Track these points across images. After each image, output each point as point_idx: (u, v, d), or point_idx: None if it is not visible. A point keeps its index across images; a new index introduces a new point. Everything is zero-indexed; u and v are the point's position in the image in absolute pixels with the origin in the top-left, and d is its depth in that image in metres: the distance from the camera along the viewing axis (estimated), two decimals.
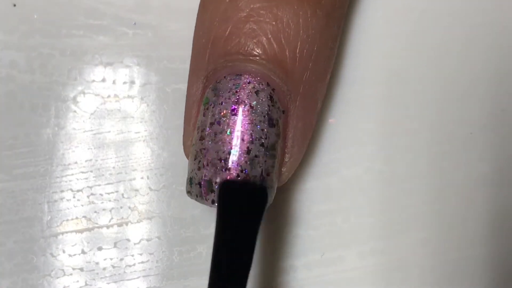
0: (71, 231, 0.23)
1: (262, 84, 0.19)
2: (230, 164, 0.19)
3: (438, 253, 0.23)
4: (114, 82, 0.23)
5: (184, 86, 0.22)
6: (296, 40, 0.20)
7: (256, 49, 0.19)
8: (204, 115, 0.20)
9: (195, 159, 0.20)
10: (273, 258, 0.23)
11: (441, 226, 0.23)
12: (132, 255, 0.23)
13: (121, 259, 0.23)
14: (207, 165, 0.19)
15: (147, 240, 0.23)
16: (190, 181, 0.20)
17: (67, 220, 0.23)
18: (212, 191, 0.19)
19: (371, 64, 0.24)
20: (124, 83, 0.23)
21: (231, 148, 0.19)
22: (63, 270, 0.23)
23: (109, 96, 0.23)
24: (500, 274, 0.24)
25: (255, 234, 0.18)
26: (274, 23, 0.19)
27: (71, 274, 0.23)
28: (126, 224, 0.23)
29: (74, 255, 0.23)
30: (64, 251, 0.23)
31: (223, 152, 0.19)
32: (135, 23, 0.23)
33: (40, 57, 0.23)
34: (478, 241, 0.24)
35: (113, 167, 0.23)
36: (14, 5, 0.23)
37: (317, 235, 0.23)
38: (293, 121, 0.20)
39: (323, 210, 0.23)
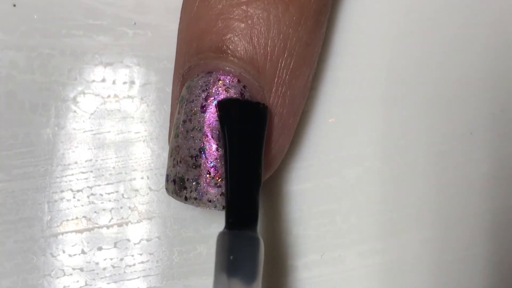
0: (71, 231, 0.23)
1: (232, 81, 0.20)
2: (200, 161, 0.19)
3: (438, 253, 0.23)
4: (114, 82, 0.23)
5: None
6: (266, 37, 0.20)
7: (227, 46, 0.19)
8: (178, 113, 0.20)
9: (170, 156, 0.20)
10: (273, 258, 0.23)
11: (441, 226, 0.23)
12: (132, 255, 0.23)
13: (121, 259, 0.23)
14: (180, 162, 0.19)
15: (147, 240, 0.23)
16: (166, 178, 0.20)
17: (67, 220, 0.23)
18: (185, 188, 0.19)
19: (371, 64, 0.24)
20: (124, 83, 0.23)
21: (201, 145, 0.19)
22: (63, 270, 0.23)
23: (109, 96, 0.23)
24: (500, 274, 0.24)
25: (261, 142, 0.19)
26: (244, 20, 0.19)
27: (71, 274, 0.23)
28: (126, 224, 0.23)
29: (74, 255, 0.23)
30: (64, 251, 0.23)
31: (194, 149, 0.19)
32: (135, 23, 0.23)
33: (40, 57, 0.23)
34: (478, 241, 0.24)
35: (113, 167, 0.23)
36: (14, 5, 0.23)
37: (317, 235, 0.23)
38: (279, 111, 0.20)
39: (323, 210, 0.23)
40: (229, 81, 0.20)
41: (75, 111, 0.23)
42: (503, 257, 0.24)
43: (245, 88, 0.20)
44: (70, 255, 0.23)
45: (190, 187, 0.19)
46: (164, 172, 0.23)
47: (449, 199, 0.24)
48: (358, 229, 0.23)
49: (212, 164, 0.19)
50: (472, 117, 0.24)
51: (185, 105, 0.20)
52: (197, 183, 0.19)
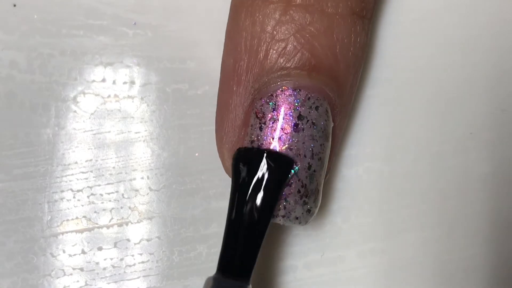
0: (71, 231, 0.23)
1: (320, 99, 0.19)
2: (292, 180, 0.19)
3: (438, 253, 0.23)
4: (114, 82, 0.23)
5: (184, 86, 0.22)
6: (348, 54, 0.20)
7: (314, 63, 0.19)
8: (261, 129, 0.19)
9: None
10: (273, 258, 0.23)
11: (441, 226, 0.23)
12: (132, 255, 0.23)
13: (121, 259, 0.23)
14: None
15: (147, 240, 0.23)
16: None
17: (67, 220, 0.23)
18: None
19: (371, 64, 0.24)
20: (124, 83, 0.23)
21: (294, 165, 0.19)
22: (63, 270, 0.23)
23: (109, 96, 0.23)
24: (500, 274, 0.24)
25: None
26: (331, 38, 0.19)
27: (71, 274, 0.23)
28: (126, 224, 0.23)
29: (74, 255, 0.23)
30: (64, 251, 0.23)
31: None
32: (135, 23, 0.23)
33: (40, 57, 0.23)
34: (478, 241, 0.24)
35: (113, 167, 0.23)
36: (14, 5, 0.23)
37: (317, 235, 0.23)
38: (337, 132, 0.20)
39: (323, 210, 0.23)
40: (318, 100, 0.19)
41: (75, 111, 0.23)
42: (503, 257, 0.24)
43: (328, 106, 0.20)
44: (70, 255, 0.23)
45: (279, 205, 0.19)
46: (164, 172, 0.23)
47: (449, 199, 0.24)
48: (358, 229, 0.23)
49: (303, 183, 0.19)
50: (472, 117, 0.24)
51: (272, 123, 0.19)
52: (288, 202, 0.19)
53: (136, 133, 0.23)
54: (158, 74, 0.23)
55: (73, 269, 0.23)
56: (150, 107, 0.23)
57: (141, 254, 0.23)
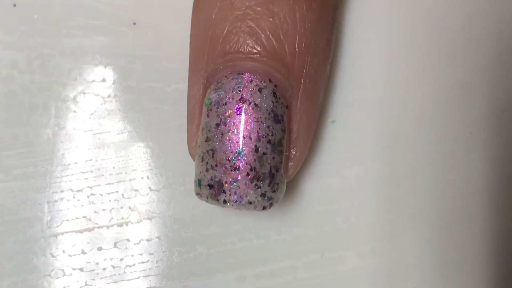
0: (71, 231, 0.23)
1: (264, 81, 0.19)
2: (239, 164, 0.19)
3: (438, 253, 0.23)
4: (114, 82, 0.23)
5: (184, 86, 0.22)
6: (294, 35, 0.20)
7: (255, 46, 0.19)
8: (208, 116, 0.20)
9: (202, 161, 0.20)
10: (273, 258, 0.23)
11: (441, 226, 0.23)
12: (132, 255, 0.23)
13: (121, 259, 0.23)
14: (216, 165, 0.19)
15: (147, 240, 0.23)
16: (199, 182, 0.20)
17: (67, 220, 0.23)
18: (223, 191, 0.19)
19: (371, 65, 0.24)
20: (124, 83, 0.23)
21: (238, 147, 0.19)
22: (63, 270, 0.23)
23: (109, 96, 0.23)
24: (500, 274, 0.24)
25: None
26: (271, 19, 0.19)
27: (71, 274, 0.23)
28: (126, 224, 0.23)
29: (74, 255, 0.23)
30: (64, 251, 0.23)
31: (232, 152, 0.19)
32: (135, 23, 0.23)
33: (40, 57, 0.23)
34: (478, 241, 0.24)
35: (113, 167, 0.23)
36: (14, 5, 0.23)
37: (317, 235, 0.23)
38: (296, 116, 0.20)
39: (323, 210, 0.23)
40: (261, 81, 0.19)
41: (75, 111, 0.23)
42: (503, 257, 0.24)
43: (276, 87, 0.20)
44: (70, 255, 0.23)
45: (229, 190, 0.19)
46: (164, 172, 0.23)
47: (449, 199, 0.24)
48: (358, 229, 0.23)
49: (251, 166, 0.19)
50: (472, 117, 0.24)
51: (217, 108, 0.20)
52: (237, 186, 0.19)
53: (136, 133, 0.23)
54: (158, 74, 0.23)
55: (73, 269, 0.23)
56: (150, 107, 0.23)
57: (141, 254, 0.23)
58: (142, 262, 0.23)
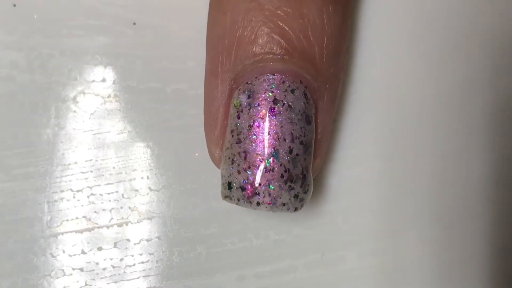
0: (71, 231, 0.23)
1: (296, 82, 0.19)
2: (274, 165, 0.19)
3: (438, 253, 0.23)
4: (114, 82, 0.23)
5: (184, 86, 0.22)
6: (322, 36, 0.20)
7: (286, 47, 0.19)
8: (238, 118, 0.19)
9: (232, 163, 0.19)
10: (273, 258, 0.23)
11: (441, 226, 0.23)
12: (132, 255, 0.23)
13: (121, 259, 0.23)
14: (249, 167, 0.19)
15: (147, 240, 0.23)
16: (229, 185, 0.20)
17: (67, 220, 0.23)
18: (257, 193, 0.19)
19: (371, 65, 0.24)
20: (124, 83, 0.23)
21: (274, 149, 0.19)
22: (63, 270, 0.23)
23: (109, 96, 0.23)
24: (500, 274, 0.24)
25: None
26: (301, 20, 0.19)
27: (71, 274, 0.23)
28: (126, 224, 0.23)
29: (74, 255, 0.23)
30: (64, 251, 0.23)
31: (266, 153, 0.19)
32: (135, 23, 0.23)
33: (40, 57, 0.23)
34: (478, 241, 0.24)
35: (113, 167, 0.23)
36: (14, 5, 0.23)
37: (317, 235, 0.23)
38: (322, 116, 0.20)
39: (323, 210, 0.23)
40: (293, 82, 0.19)
41: (75, 111, 0.23)
42: (503, 257, 0.24)
43: (306, 88, 0.20)
44: (70, 255, 0.23)
45: (263, 192, 0.19)
46: (164, 172, 0.23)
47: (449, 199, 0.24)
48: (358, 229, 0.23)
49: (285, 167, 0.19)
50: (472, 117, 0.24)
51: (249, 110, 0.19)
52: (272, 188, 0.19)
53: (136, 133, 0.23)
54: (158, 74, 0.23)
55: (73, 269, 0.23)
56: (150, 107, 0.23)
57: (141, 254, 0.23)
58: (142, 262, 0.23)
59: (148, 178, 0.23)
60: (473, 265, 0.23)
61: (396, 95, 0.24)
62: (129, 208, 0.23)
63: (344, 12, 0.20)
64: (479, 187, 0.24)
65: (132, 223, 0.23)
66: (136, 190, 0.23)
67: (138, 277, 0.23)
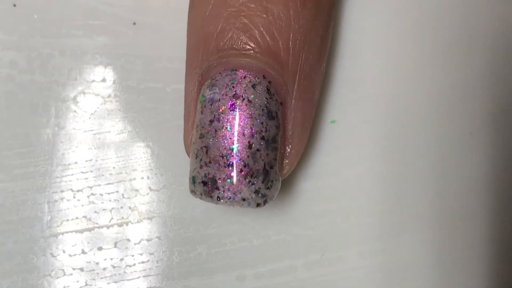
0: (71, 231, 0.23)
1: (258, 78, 0.19)
2: (233, 160, 0.19)
3: (438, 253, 0.23)
4: (114, 82, 0.23)
5: (184, 86, 0.22)
6: (288, 32, 0.19)
7: (249, 43, 0.19)
8: (202, 113, 0.20)
9: (196, 158, 0.20)
10: (273, 258, 0.23)
11: (441, 226, 0.23)
12: (132, 255, 0.23)
13: (121, 259, 0.23)
14: (210, 162, 0.19)
15: (147, 240, 0.23)
16: (193, 179, 0.20)
17: (67, 220, 0.23)
18: (217, 188, 0.19)
19: (371, 64, 0.24)
20: (124, 83, 0.23)
21: (232, 144, 0.19)
22: (63, 270, 0.23)
23: (109, 96, 0.23)
24: (500, 274, 0.24)
25: None
26: (265, 16, 0.19)
27: (71, 274, 0.23)
28: (126, 224, 0.23)
29: (74, 255, 0.23)
30: (64, 251, 0.23)
31: (225, 148, 0.19)
32: (135, 23, 0.23)
33: (40, 57, 0.23)
34: (478, 241, 0.24)
35: (113, 167, 0.23)
36: (14, 5, 0.23)
37: (317, 235, 0.23)
38: (291, 113, 0.20)
39: (323, 210, 0.23)
40: (255, 78, 0.19)
41: (75, 111, 0.23)
42: (503, 257, 0.24)
43: (270, 84, 0.20)
44: (70, 255, 0.23)
45: (223, 187, 0.19)
46: (164, 172, 0.23)
47: (449, 199, 0.24)
48: (358, 229, 0.23)
49: (244, 162, 0.19)
50: (472, 117, 0.24)
51: (210, 105, 0.20)
52: (230, 182, 0.19)
53: (136, 133, 0.23)
54: (158, 74, 0.23)
55: (73, 269, 0.23)
56: (150, 107, 0.23)
57: (141, 254, 0.23)
58: (142, 262, 0.23)
59: (148, 178, 0.23)
60: (473, 265, 0.23)
61: (396, 95, 0.24)
62: (129, 208, 0.23)
63: (318, 7, 0.20)
64: (479, 187, 0.24)
65: (132, 223, 0.23)
66: (136, 190, 0.23)
67: (138, 277, 0.23)
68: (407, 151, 0.24)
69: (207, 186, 0.19)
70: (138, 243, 0.23)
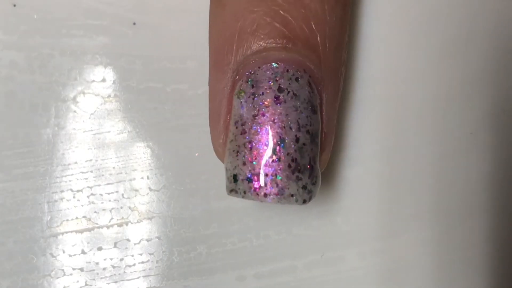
0: (71, 231, 0.23)
1: (300, 71, 0.19)
2: (280, 155, 0.18)
3: (438, 253, 0.23)
4: (114, 82, 0.23)
5: (184, 86, 0.22)
6: (324, 26, 0.19)
7: (289, 36, 0.19)
8: (242, 108, 0.19)
9: (237, 155, 0.19)
10: (273, 258, 0.23)
11: (441, 226, 0.23)
12: (132, 255, 0.23)
13: (121, 259, 0.23)
14: (255, 158, 0.19)
15: (147, 240, 0.23)
16: (234, 178, 0.19)
17: (67, 220, 0.23)
18: (264, 184, 0.18)
19: (371, 64, 0.24)
20: (124, 83, 0.23)
21: (279, 138, 0.18)
22: (63, 270, 0.23)
23: (109, 96, 0.23)
24: (500, 274, 0.24)
25: None
26: (303, 10, 0.19)
27: (71, 274, 0.23)
28: (126, 224, 0.23)
29: (74, 255, 0.23)
30: (64, 251, 0.23)
31: (272, 142, 0.18)
32: (135, 23, 0.23)
33: (40, 57, 0.23)
34: (478, 241, 0.24)
35: (113, 167, 0.23)
36: (14, 5, 0.23)
37: (317, 235, 0.23)
38: (326, 108, 0.20)
39: (323, 210, 0.23)
40: (297, 71, 0.19)
41: (75, 111, 0.23)
42: (503, 257, 0.24)
43: (310, 78, 0.19)
44: (70, 255, 0.23)
45: (270, 183, 0.18)
46: (164, 172, 0.23)
47: (449, 199, 0.24)
48: (358, 229, 0.23)
49: (292, 157, 0.18)
50: (472, 117, 0.24)
51: (253, 99, 0.19)
52: (279, 178, 0.18)
53: (136, 133, 0.23)
54: (158, 74, 0.23)
55: (73, 269, 0.23)
56: (150, 107, 0.23)
57: (141, 254, 0.23)
58: (142, 262, 0.23)
59: (148, 178, 0.23)
60: (473, 265, 0.23)
61: (396, 95, 0.24)
62: (129, 208, 0.23)
63: (345, 4, 0.20)
64: (479, 187, 0.24)
65: (132, 223, 0.23)
66: (136, 190, 0.23)
67: (138, 277, 0.23)
68: (407, 151, 0.24)
69: (252, 182, 0.18)
70: (138, 243, 0.23)
